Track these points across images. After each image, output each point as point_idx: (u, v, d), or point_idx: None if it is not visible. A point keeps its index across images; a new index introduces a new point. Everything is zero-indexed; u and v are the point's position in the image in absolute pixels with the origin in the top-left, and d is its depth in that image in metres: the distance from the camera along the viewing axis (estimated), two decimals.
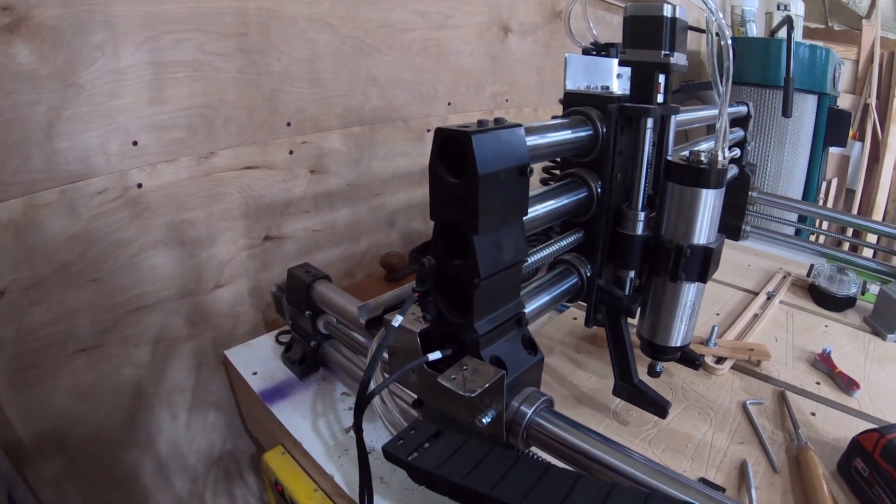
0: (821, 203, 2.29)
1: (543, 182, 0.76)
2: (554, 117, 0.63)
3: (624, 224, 0.65)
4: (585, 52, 0.68)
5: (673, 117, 0.66)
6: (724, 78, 0.52)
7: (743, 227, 1.20)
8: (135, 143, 0.79)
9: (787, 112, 1.12)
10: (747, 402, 0.78)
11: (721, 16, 0.52)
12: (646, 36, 0.61)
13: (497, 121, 0.47)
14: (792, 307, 1.08)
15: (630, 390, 0.71)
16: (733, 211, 1.17)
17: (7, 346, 0.72)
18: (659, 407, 0.69)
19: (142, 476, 0.91)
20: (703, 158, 0.57)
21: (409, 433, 0.48)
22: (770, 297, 1.09)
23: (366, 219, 1.17)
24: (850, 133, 2.23)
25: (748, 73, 1.82)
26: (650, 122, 0.62)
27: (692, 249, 0.60)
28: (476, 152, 0.43)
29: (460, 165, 0.44)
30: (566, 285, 0.67)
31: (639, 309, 0.68)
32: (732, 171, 1.08)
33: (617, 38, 0.66)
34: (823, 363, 0.87)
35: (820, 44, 1.94)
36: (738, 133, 1.09)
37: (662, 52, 0.60)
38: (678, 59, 0.62)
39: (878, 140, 2.39)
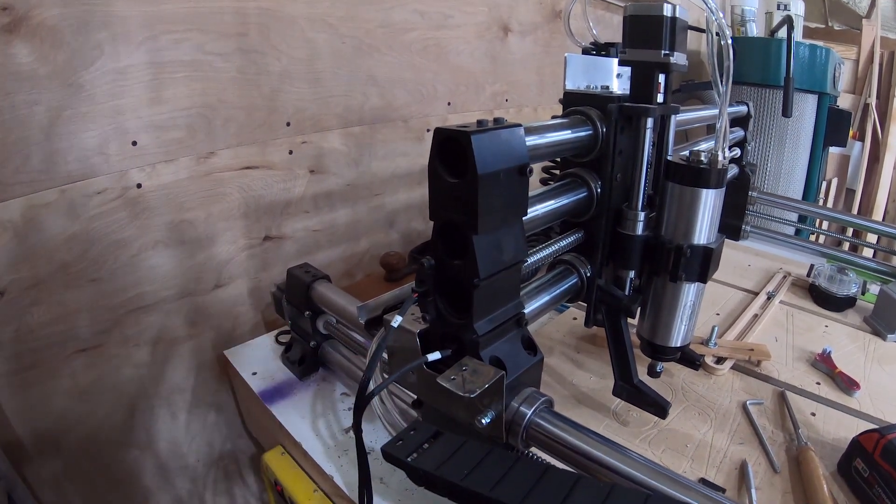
0: (821, 203, 2.29)
1: (543, 182, 0.76)
2: (554, 117, 0.63)
3: (624, 224, 0.65)
4: (585, 51, 0.68)
5: (673, 117, 0.66)
6: (724, 78, 0.52)
7: (743, 227, 1.20)
8: (134, 143, 0.79)
9: (787, 112, 1.12)
10: (747, 403, 0.78)
11: (721, 15, 0.52)
12: (646, 36, 0.61)
13: (497, 121, 0.47)
14: (792, 307, 1.08)
15: (630, 390, 0.71)
16: (733, 211, 1.17)
17: (7, 346, 0.72)
18: (659, 407, 0.69)
19: (142, 476, 0.91)
20: (703, 158, 0.57)
21: (409, 434, 0.48)
22: (770, 297, 1.09)
23: (365, 219, 1.17)
24: (850, 133, 2.23)
25: (748, 72, 1.82)
26: (650, 121, 0.62)
27: (692, 249, 0.60)
28: (476, 152, 0.43)
29: (460, 165, 0.44)
30: (566, 285, 0.67)
31: (639, 309, 0.68)
32: (732, 170, 1.08)
33: (617, 37, 0.66)
34: (823, 363, 0.87)
35: (820, 43, 1.94)
36: (738, 133, 1.08)
37: (662, 51, 0.60)
38: (678, 58, 0.62)
39: (878, 140, 2.39)
